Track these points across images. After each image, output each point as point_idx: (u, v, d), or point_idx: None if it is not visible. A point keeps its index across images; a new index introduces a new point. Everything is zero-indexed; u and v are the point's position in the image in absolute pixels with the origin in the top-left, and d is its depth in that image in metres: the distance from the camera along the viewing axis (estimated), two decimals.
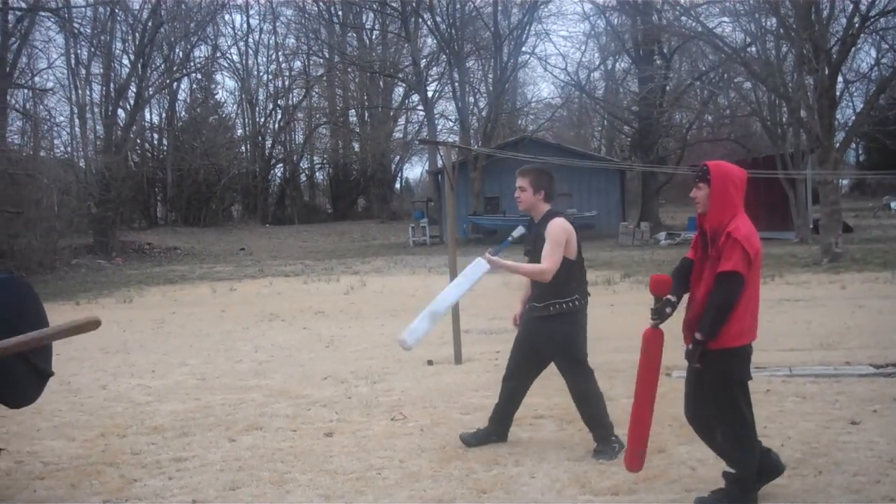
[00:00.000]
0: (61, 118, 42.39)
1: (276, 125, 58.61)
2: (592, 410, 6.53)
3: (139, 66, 41.04)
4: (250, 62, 58.04)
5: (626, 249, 31.77)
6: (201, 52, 52.13)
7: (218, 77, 57.38)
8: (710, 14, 31.98)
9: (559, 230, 6.32)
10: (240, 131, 57.97)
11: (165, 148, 53.80)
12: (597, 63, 50.42)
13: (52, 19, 35.87)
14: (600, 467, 6.11)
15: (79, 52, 44.22)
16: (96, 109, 45.34)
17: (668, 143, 44.89)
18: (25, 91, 35.74)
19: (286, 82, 58.19)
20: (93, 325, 5.25)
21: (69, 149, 43.12)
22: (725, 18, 32.77)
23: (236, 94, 58.53)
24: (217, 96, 57.38)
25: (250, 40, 57.57)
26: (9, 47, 33.08)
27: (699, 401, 5.28)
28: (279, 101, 57.91)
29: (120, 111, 42.82)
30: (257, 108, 57.79)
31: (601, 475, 5.94)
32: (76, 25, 38.26)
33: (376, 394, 9.06)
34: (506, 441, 6.80)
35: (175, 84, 51.22)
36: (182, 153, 50.78)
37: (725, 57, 30.62)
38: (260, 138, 57.55)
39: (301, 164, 60.93)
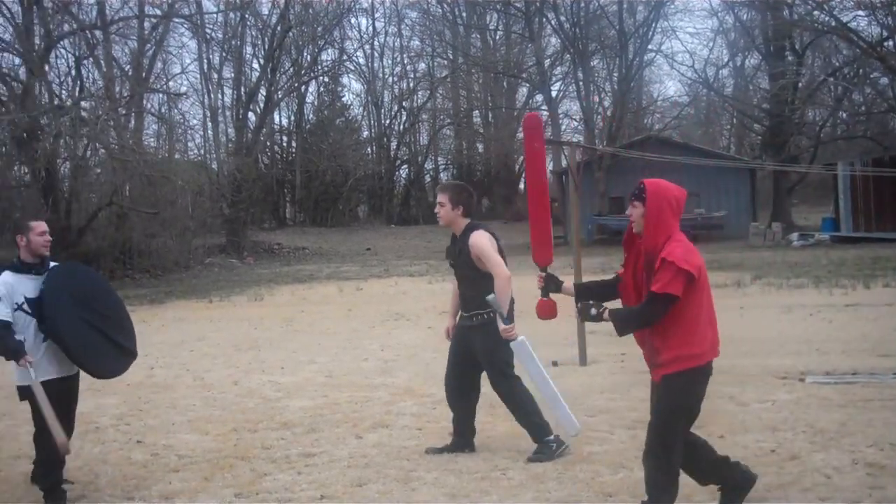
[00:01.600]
0: (195, 121, 43.83)
1: (401, 127, 59.22)
2: (525, 413, 6.63)
3: (268, 69, 42.04)
4: (376, 65, 58.82)
5: (756, 251, 30.95)
6: (328, 55, 53.08)
7: (344, 80, 58.29)
8: (845, 8, 30.97)
9: (486, 242, 6.52)
10: (366, 133, 58.79)
11: (294, 150, 54.91)
12: (725, 60, 49.34)
13: (186, 25, 37.04)
14: None
15: (211, 56, 45.58)
16: (228, 113, 46.65)
17: (801, 141, 43.56)
18: (161, 95, 36.98)
19: (411, 84, 58.74)
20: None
21: (202, 151, 44.56)
22: (860, 12, 31.69)
23: (362, 96, 59.37)
24: (344, 99, 58.33)
25: (376, 43, 58.33)
26: (145, 53, 34.28)
27: None
28: (404, 103, 58.48)
29: (250, 114, 43.94)
30: (383, 110, 58.47)
31: None
32: (208, 31, 39.40)
33: None
34: (473, 451, 6.78)
35: (303, 87, 52.24)
36: (310, 155, 51.77)
37: (861, 52, 29.56)
38: (385, 140, 58.21)
39: (426, 165, 61.42)
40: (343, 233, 45.92)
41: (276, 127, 53.29)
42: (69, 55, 33.24)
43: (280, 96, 47.14)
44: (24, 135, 26.80)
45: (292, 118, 55.28)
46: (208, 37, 40.29)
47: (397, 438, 7.33)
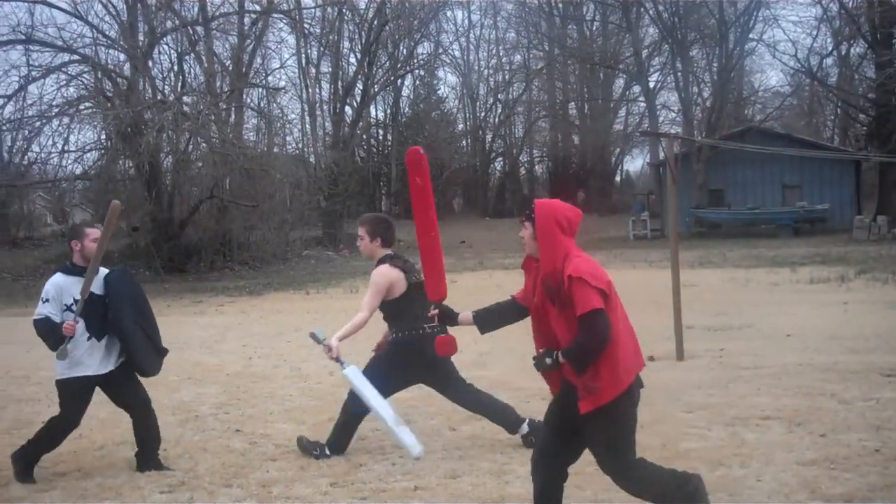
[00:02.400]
0: (293, 115, 44.32)
1: (497, 119, 59.15)
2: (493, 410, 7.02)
3: (365, 63, 42.42)
4: (471, 57, 58.86)
5: (861, 244, 30.09)
6: (424, 48, 53.29)
7: (440, 73, 58.47)
8: None
9: (378, 277, 6.86)
10: (461, 126, 58.89)
11: (390, 143, 55.32)
12: (829, 48, 47.96)
13: (285, 21, 37.57)
14: (832, 472, 5.80)
15: (309, 51, 46.13)
16: (325, 107, 47.20)
17: None
18: (260, 90, 37.58)
19: (506, 76, 58.62)
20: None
21: (300, 145, 45.07)
22: None
23: (458, 89, 59.50)
24: (439, 92, 58.50)
25: (471, 36, 58.38)
26: (244, 49, 34.88)
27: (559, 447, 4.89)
28: (499, 96, 58.41)
29: (347, 108, 44.38)
30: (478, 103, 58.49)
31: (833, 481, 5.64)
32: (306, 26, 39.87)
33: None
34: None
35: (399, 80, 52.57)
36: (405, 148, 51.86)
37: None
38: (480, 132, 58.24)
39: (521, 158, 61.24)
40: (438, 225, 45.96)
41: (372, 120, 53.75)
42: (171, 51, 34.11)
43: (376, 90, 47.55)
44: (129, 129, 27.53)
45: (388, 111, 55.70)
46: (306, 32, 40.80)
47: (491, 431, 7.31)
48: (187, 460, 6.94)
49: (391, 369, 6.89)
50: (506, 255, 31.03)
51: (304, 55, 46.17)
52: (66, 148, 30.32)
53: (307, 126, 47.33)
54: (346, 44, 46.45)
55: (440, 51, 55.31)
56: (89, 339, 6.35)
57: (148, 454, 6.62)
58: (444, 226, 37.40)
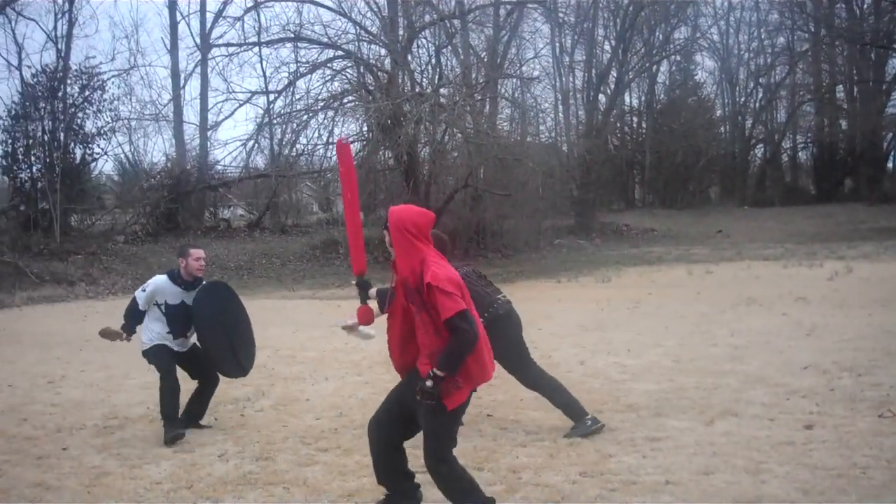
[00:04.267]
0: (546, 105, 44.36)
1: (757, 104, 56.94)
2: (559, 396, 7.31)
3: (620, 50, 41.91)
4: (731, 41, 56.86)
5: None
6: (681, 33, 51.96)
7: (697, 57, 56.78)
8: None
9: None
10: (719, 112, 57.10)
11: (644, 131, 54.48)
12: None
13: (539, 11, 37.66)
14: None
15: (563, 40, 46.08)
16: (579, 95, 47.01)
17: None
18: (514, 80, 37.92)
19: (768, 59, 56.26)
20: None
21: (553, 134, 45.11)
22: None
23: (716, 73, 57.69)
24: (696, 77, 56.93)
25: (731, 18, 56.41)
26: (500, 40, 35.31)
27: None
28: (760, 79, 56.15)
29: (601, 96, 44.04)
30: (737, 88, 56.53)
31: None
32: (561, 15, 39.86)
33: (861, 387, 8.47)
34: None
35: (654, 67, 51.63)
36: (660, 135, 51.11)
37: None
38: (740, 118, 56.25)
39: (783, 144, 58.64)
40: (693, 214, 44.93)
41: (626, 108, 53.09)
42: (429, 44, 34.98)
43: (631, 77, 46.88)
44: (389, 121, 28.51)
45: (643, 99, 54.83)
46: (561, 21, 40.78)
47: (747, 428, 7.07)
48: None
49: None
50: (765, 246, 29.83)
51: (558, 44, 46.22)
52: (330, 140, 31.80)
53: (560, 115, 47.36)
54: (601, 31, 46.04)
55: (698, 35, 53.82)
56: (168, 333, 7.68)
57: (184, 420, 7.73)
58: (699, 214, 36.60)
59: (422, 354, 5.03)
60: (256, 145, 35.43)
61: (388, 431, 5.37)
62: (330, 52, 31.41)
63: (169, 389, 7.59)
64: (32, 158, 30.41)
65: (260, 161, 36.91)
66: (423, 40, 34.57)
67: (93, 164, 34.00)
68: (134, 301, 7.76)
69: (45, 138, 30.21)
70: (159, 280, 7.70)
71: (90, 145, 32.05)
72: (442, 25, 33.27)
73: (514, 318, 7.37)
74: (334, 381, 10.06)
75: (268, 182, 34.98)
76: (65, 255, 27.16)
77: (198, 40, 37.16)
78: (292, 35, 32.28)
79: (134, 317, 7.80)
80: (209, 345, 7.64)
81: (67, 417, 8.66)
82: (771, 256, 26.05)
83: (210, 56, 37.03)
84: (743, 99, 56.78)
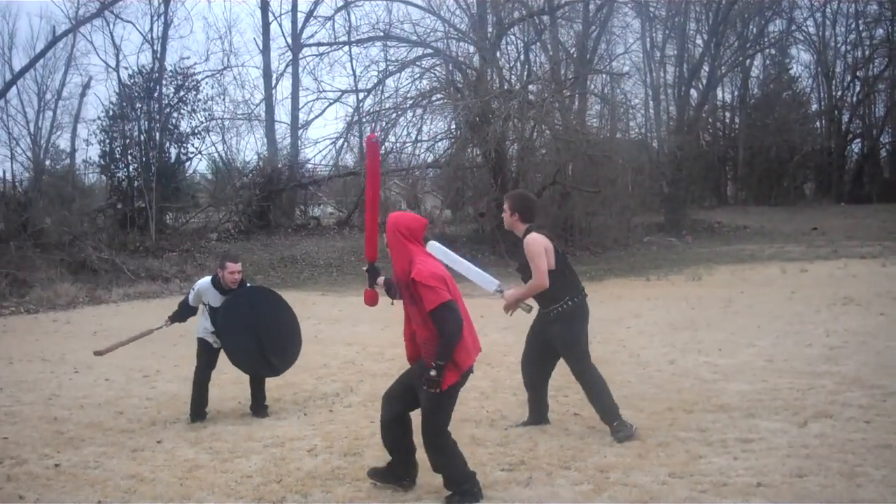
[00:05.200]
0: (636, 100, 43.86)
1: (855, 98, 55.44)
2: (598, 396, 7.20)
3: (712, 45, 41.22)
4: (827, 33, 55.46)
5: None
6: (775, 26, 50.90)
7: (792, 51, 55.55)
8: None
9: (532, 243, 7.16)
10: (814, 106, 55.76)
11: (737, 126, 53.52)
12: None
13: (629, 5, 37.29)
14: None
15: (654, 35, 45.53)
16: (669, 90, 46.42)
17: None
18: (604, 76, 37.60)
19: (866, 52, 54.74)
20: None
21: (643, 130, 44.61)
22: None
23: (811, 67, 56.34)
24: (791, 71, 55.69)
25: (827, 10, 55.00)
26: (589, 35, 35.04)
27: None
28: (858, 73, 54.65)
29: (692, 91, 43.39)
30: (834, 81, 55.13)
31: None
32: (652, 9, 39.42)
33: None
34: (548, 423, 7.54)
35: (748, 61, 50.68)
36: (754, 131, 50.15)
37: None
38: (836, 113, 54.83)
39: (881, 139, 57.00)
40: (787, 211, 43.96)
41: (718, 103, 52.20)
42: (518, 41, 34.89)
43: (724, 71, 46.05)
44: (477, 119, 28.53)
45: (736, 93, 53.84)
46: (652, 15, 40.31)
47: (842, 430, 6.90)
48: (527, 440, 7.12)
49: (582, 331, 7.37)
50: (863, 244, 29.03)
51: (648, 39, 45.70)
52: (418, 138, 31.96)
53: (650, 110, 46.82)
54: (693, 25, 45.32)
55: (793, 27, 52.64)
56: (212, 332, 8.46)
57: (257, 406, 8.59)
58: (794, 211, 35.81)
59: (418, 343, 5.70)
60: (346, 144, 35.75)
61: (394, 405, 5.99)
62: (419, 51, 31.57)
63: (197, 381, 8.52)
64: (129, 158, 31.29)
65: (349, 159, 37.24)
66: (512, 37, 34.56)
67: (187, 164, 34.91)
68: (185, 301, 8.77)
69: (142, 138, 31.05)
70: (203, 283, 8.62)
71: (185, 145, 32.90)
72: (531, 21, 33.18)
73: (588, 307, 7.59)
74: None
75: (357, 180, 35.27)
76: (160, 252, 27.84)
77: (289, 40, 37.76)
78: (382, 34, 32.54)
79: (183, 310, 8.76)
80: (224, 343, 8.46)
81: (162, 411, 8.91)
82: (868, 254, 25.34)
83: (301, 56, 37.60)
84: (839, 93, 55.33)
